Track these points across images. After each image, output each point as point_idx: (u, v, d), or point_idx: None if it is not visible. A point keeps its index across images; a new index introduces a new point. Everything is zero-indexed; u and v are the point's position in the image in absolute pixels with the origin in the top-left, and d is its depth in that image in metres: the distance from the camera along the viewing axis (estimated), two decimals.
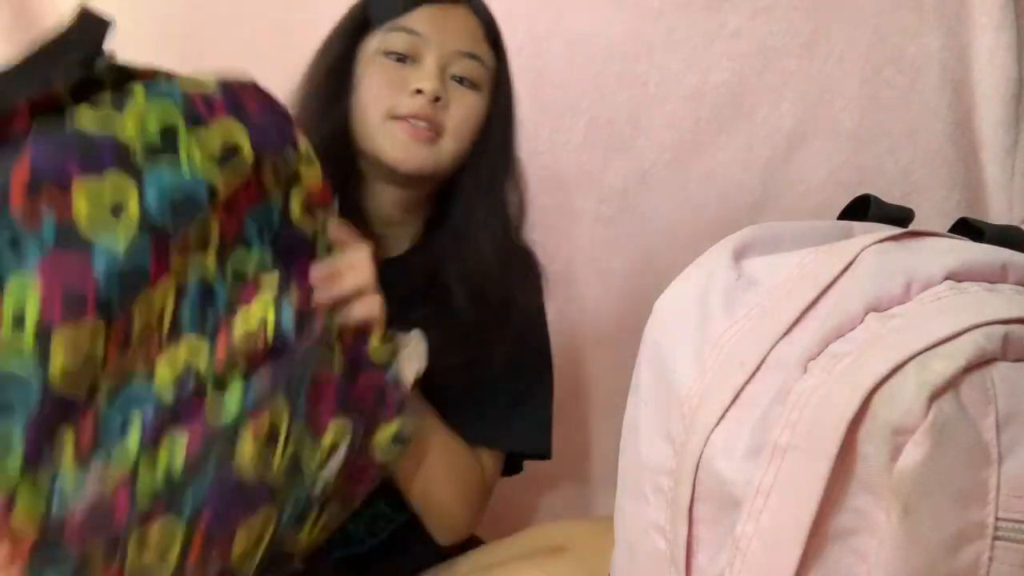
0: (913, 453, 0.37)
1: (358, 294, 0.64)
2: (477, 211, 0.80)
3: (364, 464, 0.62)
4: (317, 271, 0.63)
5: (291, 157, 0.60)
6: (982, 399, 0.38)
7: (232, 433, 0.54)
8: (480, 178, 0.81)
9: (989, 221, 0.53)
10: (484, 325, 0.78)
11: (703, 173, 1.12)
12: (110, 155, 0.51)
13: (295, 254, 0.61)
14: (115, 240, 0.50)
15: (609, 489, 0.57)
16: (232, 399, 0.55)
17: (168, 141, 0.53)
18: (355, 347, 0.64)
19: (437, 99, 0.75)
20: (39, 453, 0.50)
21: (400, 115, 0.75)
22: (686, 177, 1.12)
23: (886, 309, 0.42)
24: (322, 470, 0.57)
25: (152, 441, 0.53)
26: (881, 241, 0.45)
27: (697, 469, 0.43)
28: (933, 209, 1.05)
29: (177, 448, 0.53)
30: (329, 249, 0.64)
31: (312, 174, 0.62)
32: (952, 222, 0.54)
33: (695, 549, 0.44)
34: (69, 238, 0.49)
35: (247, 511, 0.54)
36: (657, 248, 1.13)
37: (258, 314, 0.57)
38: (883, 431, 0.37)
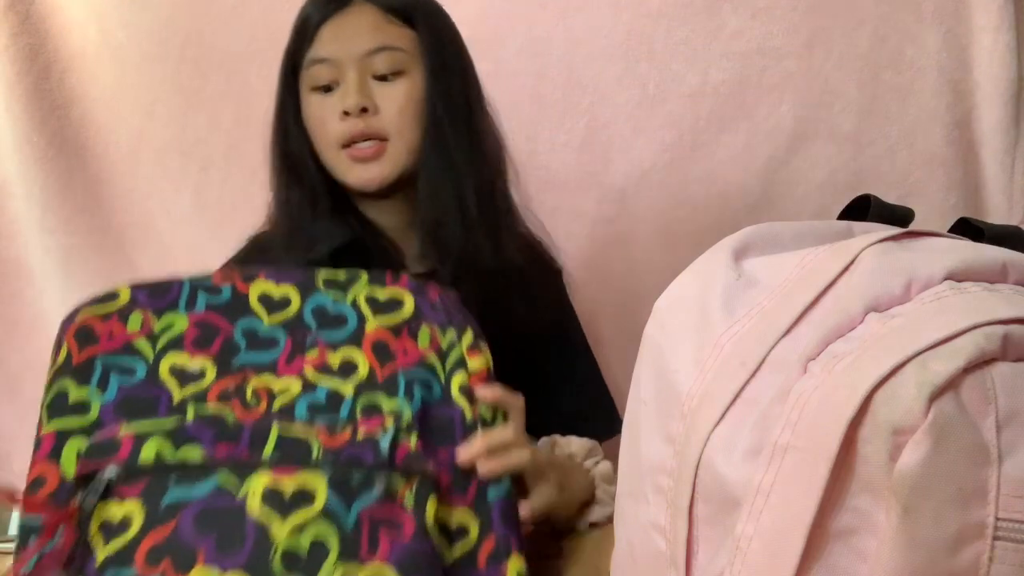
0: (913, 453, 0.37)
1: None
2: (439, 185, 0.79)
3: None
4: (468, 450, 0.58)
5: (456, 339, 0.62)
6: (982, 399, 0.37)
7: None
8: (432, 152, 0.79)
9: (988, 221, 0.53)
10: (502, 309, 0.77)
11: (703, 173, 1.12)
12: (299, 274, 0.63)
13: (440, 434, 0.59)
14: (260, 320, 0.60)
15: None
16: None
17: (347, 281, 0.63)
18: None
19: (364, 109, 0.77)
20: None
21: (344, 143, 0.78)
22: (686, 177, 1.12)
23: (886, 309, 0.42)
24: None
25: None
26: (881, 241, 0.45)
27: (697, 469, 0.43)
28: (932, 210, 1.06)
29: None
30: (482, 421, 0.61)
31: (476, 364, 0.62)
32: (950, 223, 0.54)
33: (695, 549, 0.44)
34: (238, 299, 0.61)
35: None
36: (657, 248, 1.13)
37: (374, 434, 0.56)
38: (883, 431, 0.37)
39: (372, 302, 0.62)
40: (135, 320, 0.58)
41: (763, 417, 0.41)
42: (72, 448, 0.53)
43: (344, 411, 0.57)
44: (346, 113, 0.77)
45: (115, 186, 1.18)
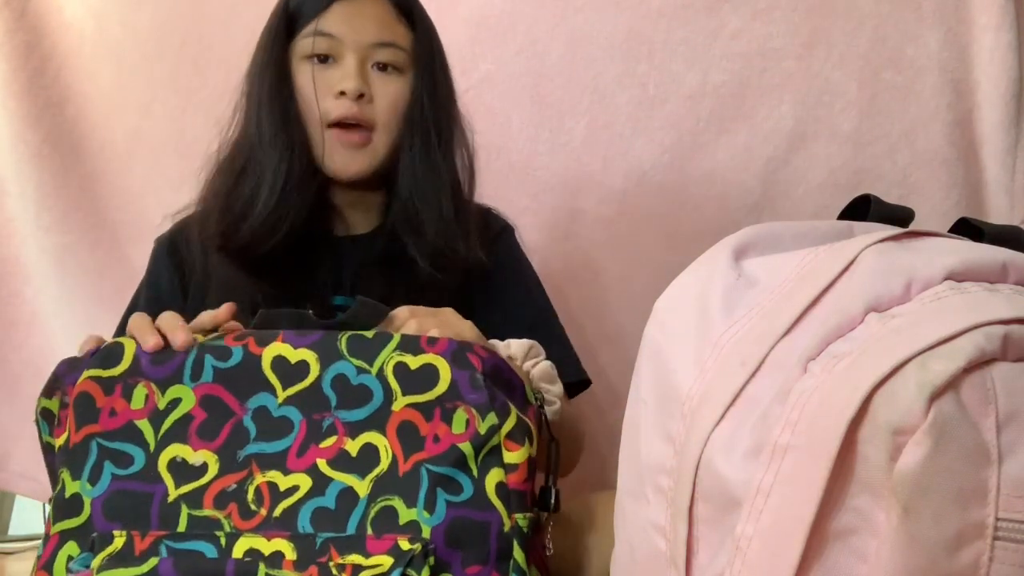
0: (913, 453, 0.37)
1: None
2: (420, 184, 0.81)
3: None
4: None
5: (496, 424, 0.54)
6: (982, 399, 0.37)
7: None
8: (416, 152, 0.81)
9: (989, 221, 0.53)
10: (465, 290, 0.80)
11: (703, 174, 1.12)
12: (320, 334, 0.56)
13: (471, 549, 0.53)
14: (274, 394, 0.55)
15: (608, 489, 0.57)
16: None
17: (375, 344, 0.55)
18: None
19: (361, 95, 0.79)
20: None
21: (333, 121, 0.79)
22: (685, 178, 1.12)
23: (886, 309, 0.42)
24: None
25: None
26: (881, 241, 0.45)
27: (697, 469, 0.43)
28: (932, 210, 1.06)
29: None
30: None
31: (515, 458, 0.54)
32: (951, 223, 0.54)
33: (695, 549, 0.44)
34: (250, 364, 0.55)
35: None
36: (657, 249, 1.13)
37: (378, 569, 0.50)
38: (883, 431, 0.37)
39: (402, 373, 0.54)
40: (139, 396, 0.54)
41: (763, 417, 0.41)
42: (64, 555, 0.52)
43: (353, 523, 0.52)
44: (342, 93, 0.79)
45: (111, 184, 1.18)
